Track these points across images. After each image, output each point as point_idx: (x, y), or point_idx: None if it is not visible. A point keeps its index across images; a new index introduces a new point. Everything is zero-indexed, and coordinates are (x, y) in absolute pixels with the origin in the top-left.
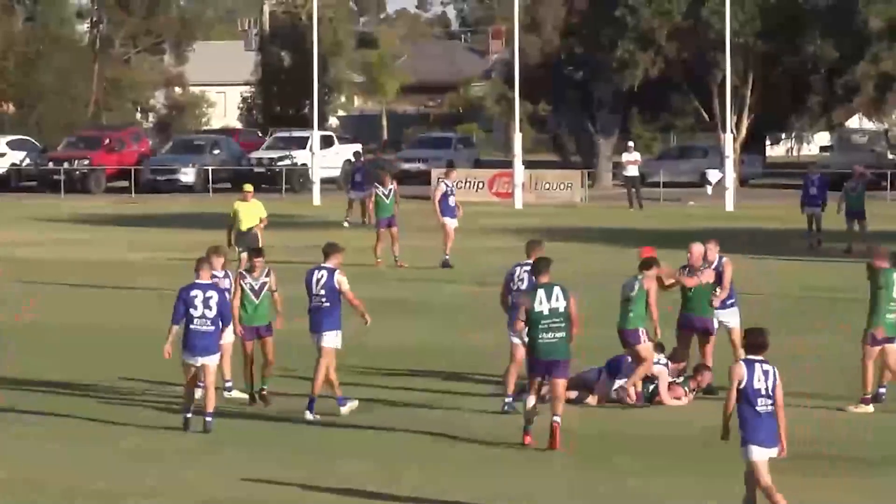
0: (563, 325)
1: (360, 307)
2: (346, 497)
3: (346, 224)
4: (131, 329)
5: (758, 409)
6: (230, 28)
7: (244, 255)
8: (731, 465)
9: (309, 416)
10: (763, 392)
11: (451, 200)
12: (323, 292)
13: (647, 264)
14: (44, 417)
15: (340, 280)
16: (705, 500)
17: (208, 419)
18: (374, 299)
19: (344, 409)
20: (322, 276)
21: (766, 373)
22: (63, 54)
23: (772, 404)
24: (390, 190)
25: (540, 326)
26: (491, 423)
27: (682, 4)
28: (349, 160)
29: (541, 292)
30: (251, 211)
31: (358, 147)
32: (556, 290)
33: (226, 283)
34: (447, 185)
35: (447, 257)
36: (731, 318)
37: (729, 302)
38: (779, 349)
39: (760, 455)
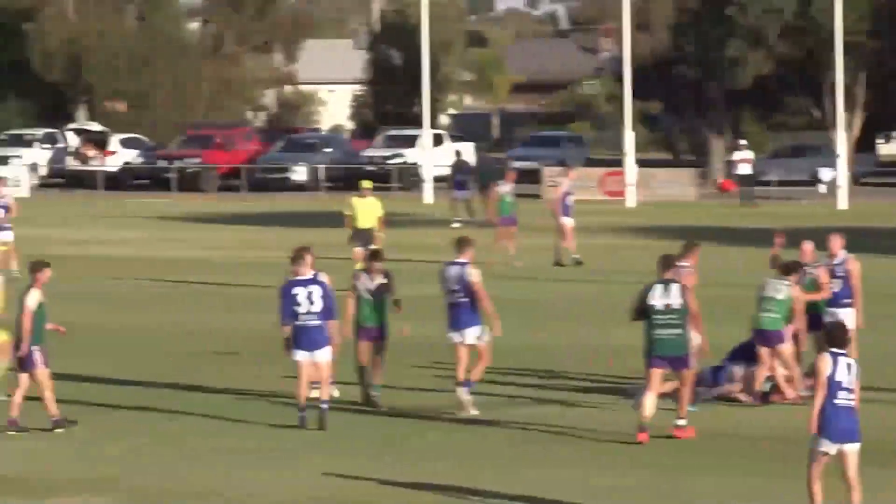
0: (679, 321)
1: (488, 309)
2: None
3: (455, 225)
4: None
5: (836, 402)
6: (340, 27)
7: (358, 251)
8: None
9: (466, 396)
10: (844, 385)
11: (570, 200)
12: (458, 287)
13: (790, 269)
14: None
15: (472, 273)
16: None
17: (323, 406)
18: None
19: (463, 395)
20: (456, 271)
21: (848, 366)
22: (174, 54)
23: (852, 399)
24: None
25: (655, 321)
26: (598, 422)
27: (793, 3)
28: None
29: (659, 287)
30: (368, 208)
31: (469, 145)
32: (674, 286)
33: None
34: (567, 186)
35: (576, 256)
36: (847, 318)
37: (845, 301)
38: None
39: (828, 447)
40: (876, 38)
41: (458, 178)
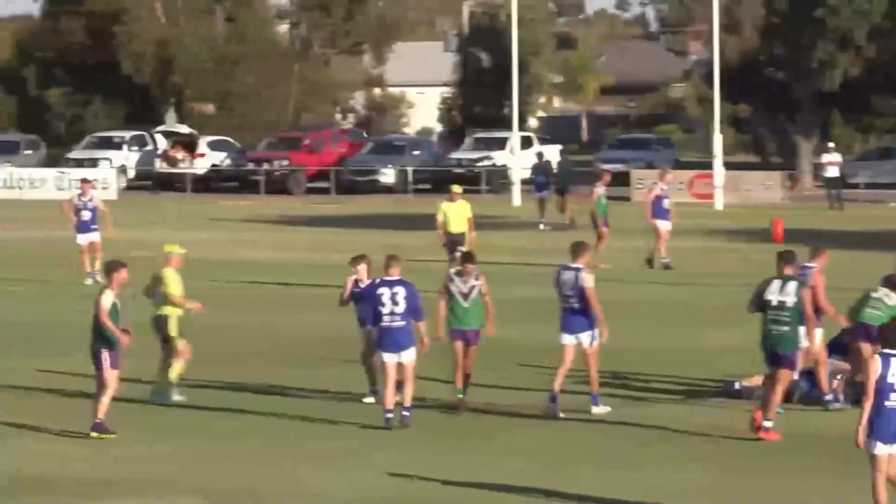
0: (789, 318)
1: (599, 314)
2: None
3: (542, 227)
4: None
5: (887, 404)
6: (429, 29)
7: (454, 255)
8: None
9: (556, 411)
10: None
11: (665, 203)
12: (572, 293)
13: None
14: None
15: (586, 278)
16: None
17: (405, 413)
18: None
19: (596, 410)
20: (570, 276)
21: None
22: (263, 56)
23: None
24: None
25: (769, 316)
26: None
27: (882, 4)
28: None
29: (776, 283)
30: (458, 211)
31: (557, 147)
32: (791, 284)
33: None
34: (662, 189)
35: (666, 259)
36: None
37: None
38: None
39: (882, 450)
40: None
41: (539, 178)
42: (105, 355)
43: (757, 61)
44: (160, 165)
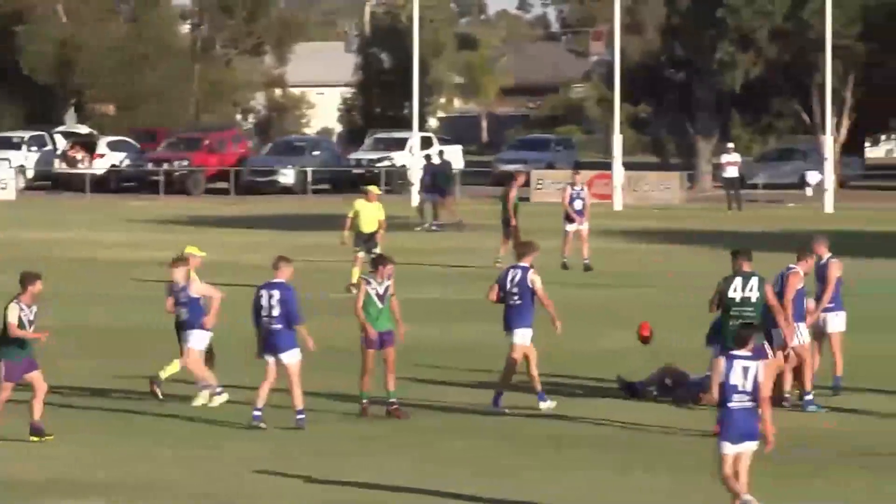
0: (753, 314)
1: (550, 309)
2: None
3: (434, 228)
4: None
5: (730, 405)
6: (331, 30)
7: (361, 255)
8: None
9: (496, 408)
10: (740, 388)
11: (577, 204)
12: (516, 290)
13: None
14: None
15: (534, 279)
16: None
17: (299, 417)
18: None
19: (543, 405)
20: (517, 274)
21: (745, 369)
22: (164, 56)
23: (750, 400)
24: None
25: (731, 313)
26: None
27: (783, 5)
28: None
29: (738, 279)
30: (372, 212)
31: (457, 148)
32: (754, 280)
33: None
34: (573, 189)
35: (566, 259)
36: (833, 322)
37: (830, 305)
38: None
39: (729, 450)
40: (865, 41)
41: (426, 180)
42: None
43: (658, 62)
44: (59, 166)
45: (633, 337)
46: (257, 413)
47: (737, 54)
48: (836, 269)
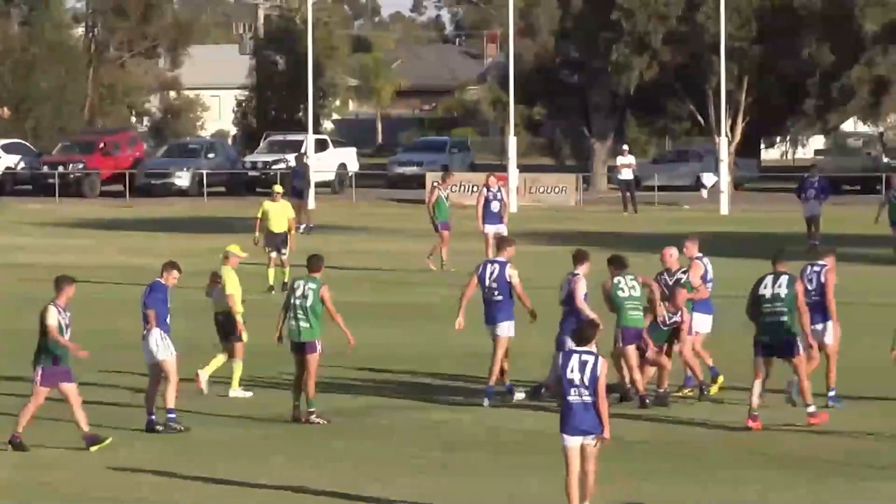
0: (785, 308)
1: (527, 303)
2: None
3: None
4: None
5: (568, 398)
6: (225, 32)
7: (273, 255)
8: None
9: (486, 403)
10: (577, 382)
11: (495, 206)
12: (495, 285)
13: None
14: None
15: (511, 273)
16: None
17: (170, 416)
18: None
19: (517, 396)
20: (495, 269)
21: (584, 363)
22: (58, 59)
23: (589, 395)
24: (447, 193)
25: (765, 310)
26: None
27: (677, 8)
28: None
29: (769, 278)
30: (280, 211)
31: (352, 150)
32: (784, 278)
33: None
34: (489, 191)
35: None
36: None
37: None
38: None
39: (569, 442)
40: (759, 44)
41: (294, 183)
42: (39, 371)
43: (552, 64)
44: None
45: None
46: (150, 417)
47: (631, 57)
48: (696, 270)
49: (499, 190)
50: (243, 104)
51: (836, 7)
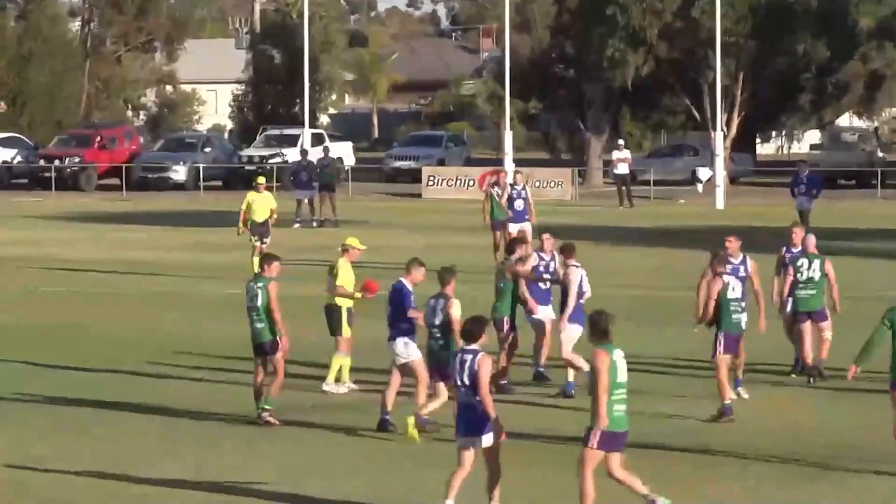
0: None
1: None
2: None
3: (296, 225)
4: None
5: (460, 399)
6: (221, 26)
7: (257, 244)
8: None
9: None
10: (459, 383)
11: (519, 204)
12: (548, 275)
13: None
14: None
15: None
16: None
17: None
18: None
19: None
20: (550, 262)
21: (462, 362)
22: (54, 53)
23: (472, 394)
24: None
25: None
26: None
27: (673, 3)
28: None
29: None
30: (264, 202)
31: (348, 144)
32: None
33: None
34: (514, 189)
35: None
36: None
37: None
38: None
39: (459, 442)
40: (755, 40)
41: (302, 177)
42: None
43: (548, 59)
44: None
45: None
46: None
47: (627, 52)
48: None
49: (523, 188)
50: (239, 98)
51: (830, 3)
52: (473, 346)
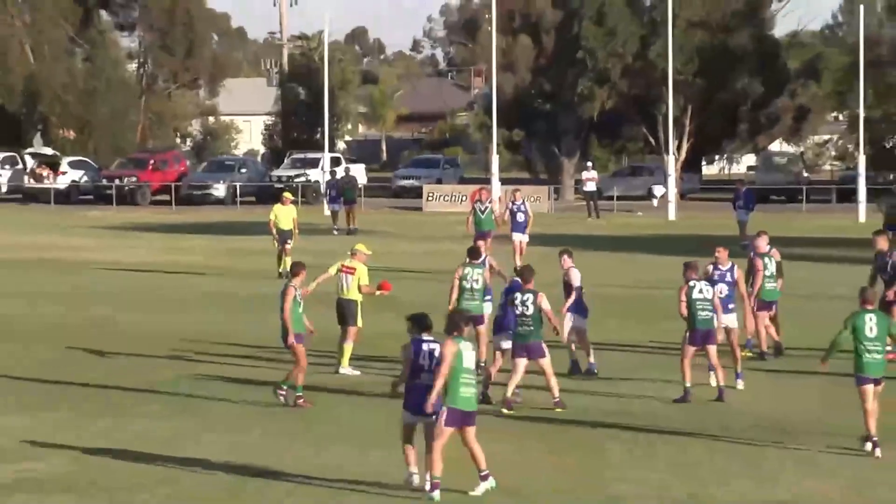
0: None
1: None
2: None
3: (335, 232)
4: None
5: (417, 381)
6: (255, 68)
7: (283, 246)
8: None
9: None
10: (426, 368)
11: (520, 217)
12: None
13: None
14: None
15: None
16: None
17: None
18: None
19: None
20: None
21: (430, 351)
22: (115, 90)
23: (432, 378)
24: (486, 206)
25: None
26: None
27: (633, 47)
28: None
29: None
30: (288, 213)
31: (361, 166)
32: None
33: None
34: (514, 204)
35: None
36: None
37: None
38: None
39: (407, 419)
40: (701, 78)
41: (331, 192)
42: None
43: (529, 95)
44: (28, 181)
45: None
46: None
47: (594, 89)
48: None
49: (522, 203)
50: (270, 128)
51: (764, 47)
52: (433, 338)
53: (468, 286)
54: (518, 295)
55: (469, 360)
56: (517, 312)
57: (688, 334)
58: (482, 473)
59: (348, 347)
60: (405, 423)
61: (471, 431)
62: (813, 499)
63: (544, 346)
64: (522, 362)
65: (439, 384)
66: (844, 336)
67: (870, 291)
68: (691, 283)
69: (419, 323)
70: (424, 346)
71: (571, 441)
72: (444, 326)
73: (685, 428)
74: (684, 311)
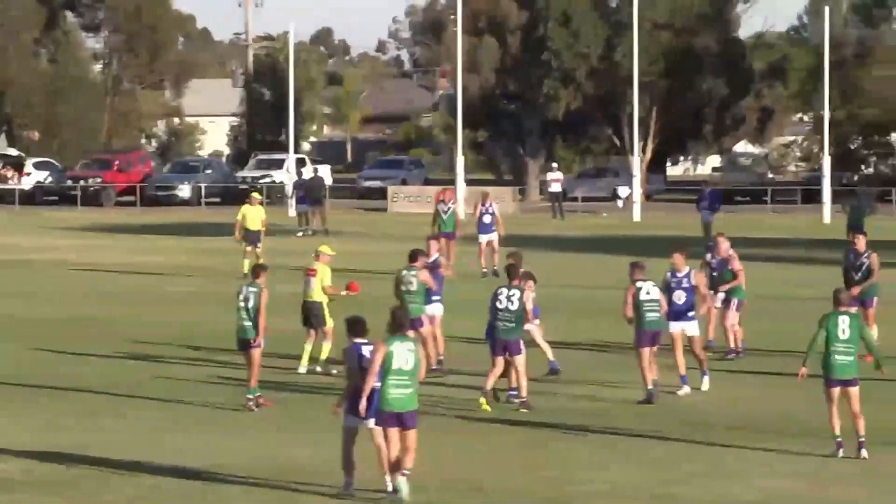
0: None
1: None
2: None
3: (299, 234)
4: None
5: (358, 385)
6: (220, 69)
7: (249, 249)
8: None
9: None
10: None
11: (487, 219)
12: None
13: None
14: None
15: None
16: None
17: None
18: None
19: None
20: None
21: (367, 354)
22: (80, 90)
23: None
24: (449, 207)
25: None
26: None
27: (598, 48)
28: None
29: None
30: (256, 213)
31: (326, 167)
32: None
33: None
34: (483, 206)
35: (486, 270)
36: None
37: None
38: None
39: (348, 422)
40: (666, 79)
41: (299, 193)
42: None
43: (494, 96)
44: None
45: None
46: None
47: (559, 89)
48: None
49: (490, 205)
50: (235, 129)
51: (729, 48)
52: (366, 340)
53: (405, 289)
54: (504, 290)
55: (402, 360)
56: (500, 307)
57: (636, 336)
58: (403, 472)
59: (327, 346)
60: (346, 427)
61: (410, 433)
62: (780, 497)
63: (522, 343)
64: (501, 361)
65: (367, 386)
66: (822, 336)
67: (844, 293)
68: (638, 284)
69: (351, 327)
70: (364, 350)
71: (537, 440)
72: (387, 326)
73: (650, 428)
74: (629, 313)
